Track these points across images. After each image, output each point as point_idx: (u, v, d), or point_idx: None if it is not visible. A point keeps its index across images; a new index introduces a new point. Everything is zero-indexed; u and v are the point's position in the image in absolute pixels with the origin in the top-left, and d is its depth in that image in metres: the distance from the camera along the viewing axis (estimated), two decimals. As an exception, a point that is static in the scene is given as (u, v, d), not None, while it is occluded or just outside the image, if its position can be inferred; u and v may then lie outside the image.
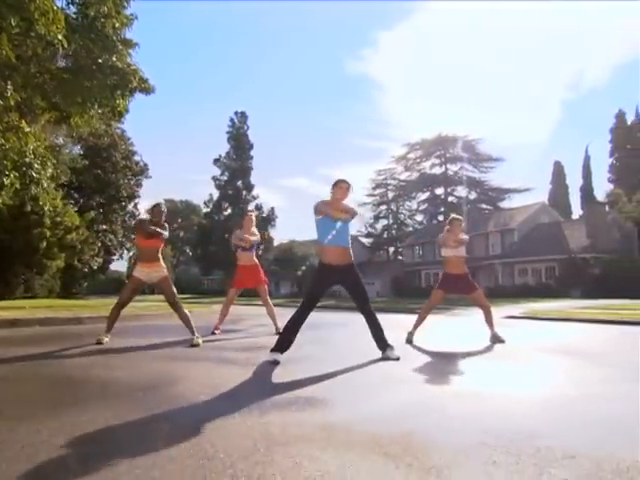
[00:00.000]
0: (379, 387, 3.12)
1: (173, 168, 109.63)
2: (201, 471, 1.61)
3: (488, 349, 5.09)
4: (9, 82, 9.31)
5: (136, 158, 30.45)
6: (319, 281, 4.33)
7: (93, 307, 13.19)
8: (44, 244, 15.83)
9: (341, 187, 4.34)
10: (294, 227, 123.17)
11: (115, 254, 31.69)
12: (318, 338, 6.01)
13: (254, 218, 7.00)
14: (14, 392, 2.98)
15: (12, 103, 8.83)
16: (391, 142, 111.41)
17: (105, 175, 26.55)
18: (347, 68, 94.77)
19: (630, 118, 48.73)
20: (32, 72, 10.72)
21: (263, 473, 1.60)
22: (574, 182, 57.55)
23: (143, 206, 42.02)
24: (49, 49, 10.66)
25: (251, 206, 46.78)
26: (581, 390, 3.05)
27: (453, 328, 8.01)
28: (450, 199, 54.30)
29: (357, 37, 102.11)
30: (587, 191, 49.11)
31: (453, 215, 6.26)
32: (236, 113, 47.02)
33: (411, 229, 55.89)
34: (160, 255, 5.53)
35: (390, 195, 57.74)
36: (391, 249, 58.16)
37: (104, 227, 27.35)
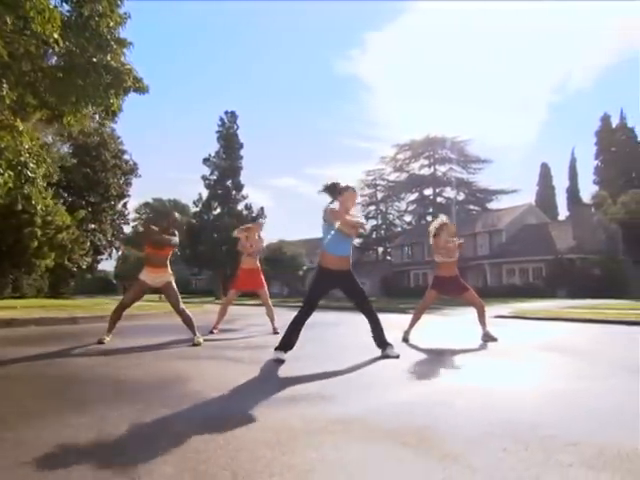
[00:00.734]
0: (384, 383, 3.24)
1: (161, 167, 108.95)
2: (234, 462, 1.72)
3: (481, 347, 5.25)
4: (4, 81, 9.28)
5: (126, 157, 30.32)
6: (319, 284, 4.44)
7: (85, 307, 13.16)
8: (35, 243, 15.72)
9: (352, 194, 4.43)
10: (282, 227, 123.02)
11: (104, 253, 31.49)
12: (316, 337, 6.11)
13: (260, 226, 7.23)
14: (33, 390, 3.04)
15: (8, 102, 8.80)
16: (379, 143, 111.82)
17: (94, 174, 26.36)
18: (335, 68, 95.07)
19: (615, 121, 49.60)
20: (23, 70, 10.68)
21: (292, 462, 1.71)
22: (560, 183, 58.50)
23: (132, 205, 41.82)
24: (42, 47, 10.65)
25: (240, 206, 46.74)
26: (575, 385, 3.21)
27: (445, 327, 8.17)
28: (439, 200, 54.78)
29: (346, 37, 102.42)
30: (573, 192, 49.87)
31: (446, 222, 6.40)
32: (226, 113, 46.86)
33: (400, 229, 56.27)
34: (168, 262, 5.61)
35: (379, 196, 58.09)
36: (380, 249, 58.47)
37: (93, 226, 27.15)
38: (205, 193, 45.64)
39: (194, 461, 1.71)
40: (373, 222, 57.95)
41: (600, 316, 9.59)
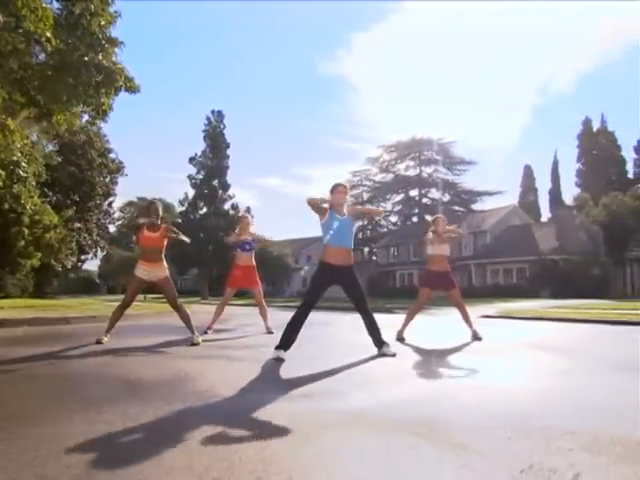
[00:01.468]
0: (385, 380, 3.38)
1: (146, 166, 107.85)
2: (266, 450, 1.84)
3: (472, 346, 5.43)
4: (-6, 79, 9.22)
5: (112, 156, 30.09)
6: (317, 280, 4.50)
7: (74, 307, 13.08)
8: (22, 243, 15.54)
9: (339, 190, 4.58)
10: (267, 227, 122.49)
11: (89, 253, 31.18)
12: (311, 337, 6.23)
13: (250, 220, 7.22)
14: (48, 389, 3.11)
15: (-1, 101, 8.75)
16: (365, 143, 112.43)
17: (80, 172, 26.10)
18: (321, 69, 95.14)
19: (596, 125, 50.66)
20: (11, 67, 10.59)
21: (313, 451, 1.84)
22: (543, 185, 59.43)
23: (116, 205, 41.37)
24: (31, 45, 10.59)
25: (227, 205, 46.63)
26: (564, 380, 3.40)
27: (433, 327, 8.35)
28: (424, 201, 55.28)
29: (331, 38, 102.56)
30: (555, 194, 50.79)
31: (438, 215, 6.67)
32: (213, 112, 46.69)
33: (385, 230, 56.66)
34: (163, 255, 5.63)
35: (365, 196, 58.37)
36: (366, 250, 58.78)
37: (78, 225, 26.87)
38: (191, 192, 45.45)
39: (226, 452, 1.82)
40: (359, 222, 58.16)
41: (583, 316, 9.89)
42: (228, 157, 46.81)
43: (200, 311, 13.83)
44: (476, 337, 5.93)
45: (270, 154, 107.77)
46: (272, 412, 2.43)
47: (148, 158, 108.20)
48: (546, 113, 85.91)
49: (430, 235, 6.34)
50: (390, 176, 57.11)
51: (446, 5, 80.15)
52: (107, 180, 30.37)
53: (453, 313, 6.90)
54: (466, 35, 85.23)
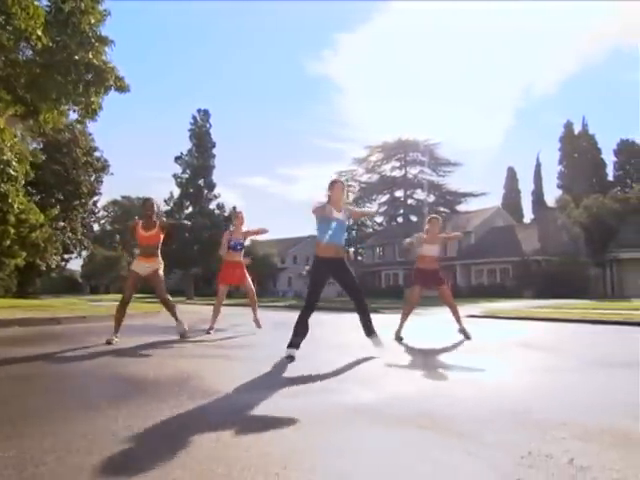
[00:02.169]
0: (384, 378, 3.51)
1: (130, 164, 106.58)
2: (284, 440, 1.95)
3: (463, 345, 5.60)
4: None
5: (97, 154, 29.77)
6: (315, 274, 4.68)
7: (61, 307, 12.99)
8: (7, 242, 15.31)
9: (337, 186, 4.73)
10: (253, 227, 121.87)
11: (73, 252, 30.81)
12: (311, 336, 6.30)
13: (243, 216, 7.31)
14: (49, 389, 3.18)
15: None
16: (350, 143, 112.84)
17: (65, 171, 25.79)
18: (307, 69, 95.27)
19: (577, 128, 51.62)
20: (-3, 64, 10.49)
21: (327, 444, 1.96)
22: (526, 187, 60.42)
23: (100, 204, 40.91)
24: (20, 42, 10.50)
25: (212, 205, 46.48)
26: (553, 376, 3.58)
27: (423, 327, 8.51)
28: (409, 202, 55.65)
29: (318, 38, 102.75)
30: (538, 196, 51.66)
31: (432, 215, 6.82)
32: (199, 111, 46.43)
33: (371, 230, 56.97)
34: (159, 251, 5.75)
35: (351, 197, 58.60)
36: (351, 250, 58.99)
37: (62, 224, 26.54)
38: (177, 192, 45.15)
39: (242, 445, 1.93)
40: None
41: (567, 315, 10.18)
42: (214, 156, 46.61)
43: (185, 311, 13.85)
44: (465, 334, 6.08)
45: (256, 154, 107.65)
46: (277, 407, 2.53)
47: (133, 156, 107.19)
48: (529, 115, 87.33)
49: (423, 235, 6.45)
50: (376, 177, 57.41)
51: (431, 5, 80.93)
52: (92, 179, 30.05)
53: (440, 313, 7.05)
54: (451, 36, 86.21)
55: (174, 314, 5.89)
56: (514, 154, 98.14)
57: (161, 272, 5.83)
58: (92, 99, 11.42)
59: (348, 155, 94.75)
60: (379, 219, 58.44)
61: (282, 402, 2.66)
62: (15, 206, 11.24)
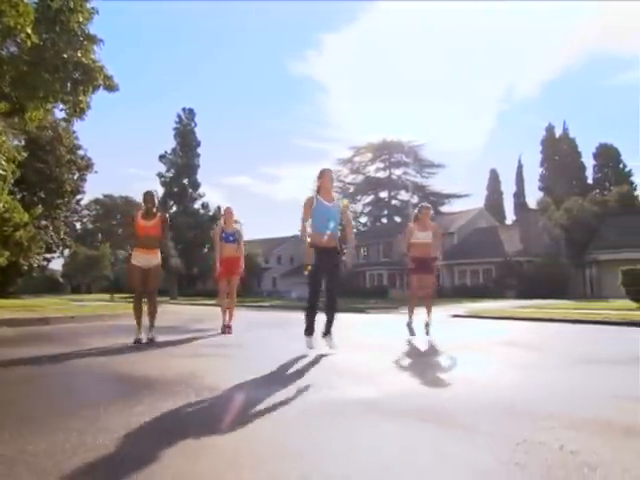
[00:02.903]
0: (383, 375, 3.63)
1: (114, 162, 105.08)
2: (308, 427, 2.07)
3: (452, 344, 5.79)
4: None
5: (81, 152, 29.40)
6: (316, 262, 4.82)
7: (45, 307, 12.89)
8: (-10, 242, 15.14)
9: (326, 176, 4.92)
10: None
11: (56, 251, 30.40)
12: (298, 335, 6.46)
13: (232, 210, 7.34)
14: (49, 389, 3.25)
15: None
16: (334, 143, 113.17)
17: (48, 169, 25.44)
18: (291, 69, 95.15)
19: (558, 132, 52.66)
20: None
21: (340, 435, 2.09)
22: (508, 189, 61.35)
23: (84, 202, 40.40)
24: (5, 39, 10.40)
25: (197, 204, 46.30)
26: (539, 373, 3.78)
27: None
28: (394, 202, 56.30)
29: (301, 38, 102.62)
30: (520, 198, 52.56)
31: (423, 204, 6.85)
32: (184, 110, 46.17)
33: (355, 231, 57.18)
34: (158, 243, 5.79)
35: (335, 197, 58.82)
36: (336, 250, 59.19)
37: (45, 223, 26.17)
38: (161, 191, 44.79)
39: (261, 431, 2.04)
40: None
41: (549, 315, 10.46)
42: (199, 155, 46.42)
43: (171, 311, 13.85)
44: (410, 330, 6.19)
45: (239, 153, 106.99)
46: (286, 402, 2.65)
47: (117, 155, 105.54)
48: (511, 117, 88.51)
49: (411, 224, 6.52)
50: (361, 177, 57.87)
51: (416, 5, 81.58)
52: (76, 177, 29.68)
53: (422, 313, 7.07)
54: (435, 37, 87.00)
55: (154, 317, 5.80)
56: (496, 156, 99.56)
57: (160, 268, 5.86)
58: (80, 98, 11.36)
59: (332, 155, 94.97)
60: (363, 219, 58.90)
61: (281, 396, 2.76)
62: (0, 205, 11.11)
